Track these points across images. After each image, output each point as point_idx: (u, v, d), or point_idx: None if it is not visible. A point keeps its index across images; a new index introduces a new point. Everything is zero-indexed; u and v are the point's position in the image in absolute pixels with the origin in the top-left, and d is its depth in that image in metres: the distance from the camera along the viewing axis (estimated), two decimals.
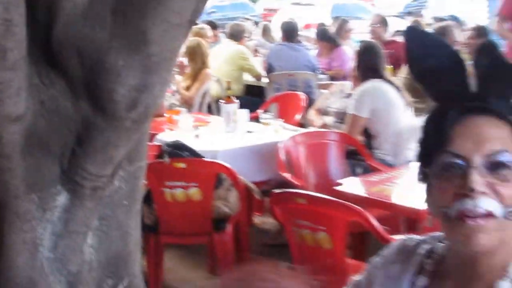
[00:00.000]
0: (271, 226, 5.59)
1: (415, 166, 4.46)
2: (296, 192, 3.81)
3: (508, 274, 1.52)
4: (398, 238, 3.74)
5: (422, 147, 1.58)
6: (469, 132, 1.48)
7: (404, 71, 6.29)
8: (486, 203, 1.43)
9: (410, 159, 5.09)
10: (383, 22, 9.28)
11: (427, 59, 1.59)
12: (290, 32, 8.43)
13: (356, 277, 1.84)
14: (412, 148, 5.24)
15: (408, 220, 4.18)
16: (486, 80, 1.53)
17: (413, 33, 1.70)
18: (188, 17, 2.10)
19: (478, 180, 1.42)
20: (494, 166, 1.44)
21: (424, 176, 1.55)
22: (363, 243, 4.39)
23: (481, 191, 1.42)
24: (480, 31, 7.88)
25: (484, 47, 1.63)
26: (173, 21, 2.05)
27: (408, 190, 4.08)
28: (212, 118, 6.14)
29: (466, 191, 1.42)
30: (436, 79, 1.59)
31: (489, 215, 1.43)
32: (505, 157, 1.45)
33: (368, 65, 5.17)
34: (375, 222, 3.44)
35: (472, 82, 1.55)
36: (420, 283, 1.64)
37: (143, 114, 2.18)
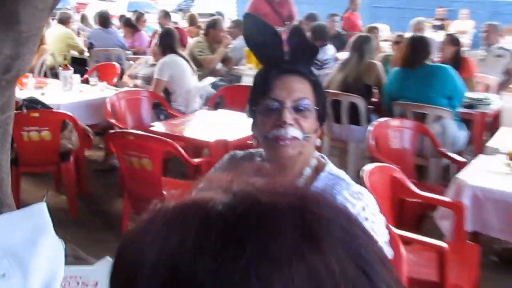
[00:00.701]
0: (98, 157, 5.51)
1: (200, 113, 4.51)
2: (126, 131, 3.79)
3: (304, 173, 1.63)
4: (199, 160, 3.80)
5: (252, 94, 1.61)
6: (283, 85, 1.55)
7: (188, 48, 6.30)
8: (293, 131, 1.53)
9: (196, 108, 5.14)
10: (167, 15, 9.26)
11: (258, 37, 1.62)
12: (105, 20, 8.12)
13: (199, 185, 1.72)
14: (197, 101, 5.26)
15: (196, 147, 4.25)
16: (294, 52, 1.61)
17: (249, 19, 1.69)
18: (50, 4, 2.05)
19: (288, 116, 1.52)
20: (298, 108, 1.54)
21: (252, 113, 1.61)
22: None
23: (289, 123, 1.52)
24: (238, 24, 7.63)
25: (294, 30, 1.70)
26: (39, 6, 1.96)
27: (196, 129, 4.19)
28: (49, 81, 5.86)
29: (281, 123, 1.52)
30: (263, 50, 1.62)
31: (294, 138, 1.53)
32: (305, 102, 1.55)
33: (167, 44, 5.07)
34: (181, 150, 3.41)
35: (286, 53, 1.61)
36: None
37: (15, 76, 2.09)
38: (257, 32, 1.63)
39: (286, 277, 0.45)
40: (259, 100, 1.58)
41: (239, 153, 1.80)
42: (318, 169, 1.67)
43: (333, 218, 0.50)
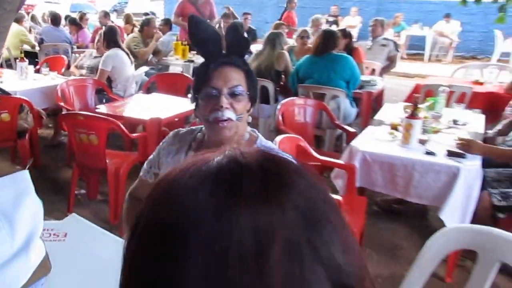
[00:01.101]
0: (48, 135, 5.48)
1: (136, 97, 4.50)
2: (77, 113, 3.76)
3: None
4: (136, 134, 3.82)
5: (195, 83, 1.63)
6: (220, 75, 1.57)
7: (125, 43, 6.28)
8: (228, 113, 1.56)
9: (133, 93, 5.14)
10: (107, 14, 8.98)
11: (200, 34, 1.61)
12: (55, 19, 7.92)
13: (150, 156, 1.83)
14: (133, 87, 5.26)
15: (133, 125, 4.26)
16: (231, 46, 1.63)
17: (193, 19, 1.63)
18: (17, 6, 2.01)
19: (224, 101, 1.55)
20: (233, 93, 1.57)
21: (195, 99, 1.63)
22: None
23: (225, 107, 1.55)
24: (167, 22, 7.82)
25: (231, 27, 1.68)
26: (7, 8, 1.94)
27: (133, 109, 4.19)
28: (5, 71, 5.67)
29: (218, 107, 1.55)
30: (205, 45, 1.61)
31: (229, 119, 1.57)
32: (239, 89, 1.57)
33: (110, 39, 5.04)
34: (123, 127, 3.43)
35: (224, 47, 1.63)
36: (190, 154, 1.71)
37: None
38: (200, 30, 1.62)
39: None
40: (201, 89, 1.59)
41: (182, 130, 1.81)
42: (251, 142, 1.70)
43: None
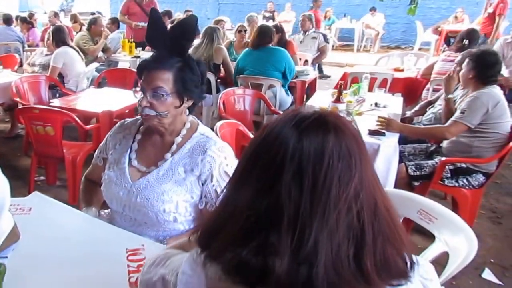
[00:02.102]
0: (5, 128, 5.51)
1: (88, 91, 4.51)
2: (33, 106, 3.73)
3: (181, 133, 1.72)
4: (90, 126, 3.88)
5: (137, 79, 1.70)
6: (147, 77, 1.62)
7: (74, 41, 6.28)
8: (147, 111, 1.63)
9: (84, 88, 5.11)
10: (56, 14, 8.89)
11: (150, 30, 1.66)
12: (8, 19, 7.70)
13: (100, 144, 1.90)
14: (85, 82, 5.21)
15: (86, 117, 4.25)
16: (174, 42, 1.63)
17: (153, 14, 1.68)
18: None
19: (145, 100, 1.62)
20: (155, 94, 1.61)
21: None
22: None
23: (145, 106, 1.62)
24: (115, 20, 7.74)
25: (175, 25, 1.68)
26: None
27: (86, 103, 4.21)
28: None
29: (141, 104, 1.63)
30: (150, 43, 1.68)
31: (147, 115, 1.64)
32: (160, 91, 1.60)
33: (59, 38, 5.05)
34: (77, 119, 3.46)
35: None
36: (138, 137, 1.79)
37: None
38: (153, 27, 1.65)
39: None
40: (139, 85, 1.66)
41: (128, 120, 1.87)
42: (192, 130, 1.73)
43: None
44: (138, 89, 1.68)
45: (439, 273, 1.40)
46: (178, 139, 1.71)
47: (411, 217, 1.68)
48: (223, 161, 1.65)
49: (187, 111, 1.76)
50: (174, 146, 1.71)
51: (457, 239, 1.56)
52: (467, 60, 3.17)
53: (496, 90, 3.07)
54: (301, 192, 0.76)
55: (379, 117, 3.23)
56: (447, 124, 3.10)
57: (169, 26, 1.76)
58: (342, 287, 0.75)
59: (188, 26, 1.66)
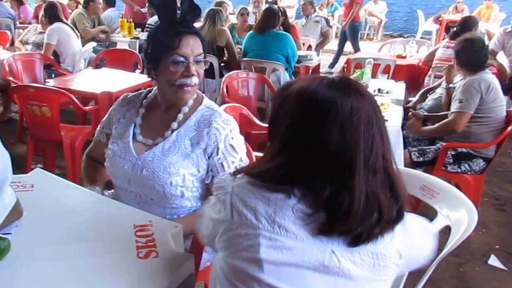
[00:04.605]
0: None
1: (86, 71, 4.32)
2: (28, 85, 3.59)
3: (188, 104, 1.70)
4: (89, 107, 3.73)
5: (156, 47, 1.62)
6: (188, 44, 1.58)
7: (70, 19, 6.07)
8: (195, 80, 1.62)
9: (81, 69, 4.99)
10: None
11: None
12: None
13: (103, 119, 1.87)
14: (82, 63, 5.12)
15: (84, 98, 3.98)
16: (186, 13, 1.62)
17: None
18: None
19: (193, 69, 1.59)
20: (198, 61, 1.61)
21: (156, 62, 1.62)
22: None
23: (193, 74, 1.60)
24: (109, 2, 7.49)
25: None
26: None
27: (84, 84, 4.03)
28: None
29: (188, 74, 1.59)
30: (161, 9, 1.62)
31: (195, 85, 1.64)
32: (201, 57, 1.62)
33: (52, 14, 4.88)
34: (75, 99, 3.32)
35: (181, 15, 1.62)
36: (141, 112, 1.76)
37: None
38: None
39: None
40: (164, 54, 1.59)
41: (130, 93, 1.85)
42: (198, 101, 1.73)
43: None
44: (179, 58, 1.59)
45: (442, 247, 1.45)
46: (185, 109, 1.71)
47: (415, 193, 1.72)
48: (229, 133, 1.65)
49: None
50: (181, 115, 1.70)
51: (458, 213, 1.61)
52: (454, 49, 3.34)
53: (486, 75, 3.15)
54: (344, 141, 0.96)
55: (413, 113, 3.44)
56: (450, 118, 3.16)
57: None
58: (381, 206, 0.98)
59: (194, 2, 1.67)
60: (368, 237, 0.98)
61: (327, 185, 0.96)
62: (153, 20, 6.11)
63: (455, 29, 4.82)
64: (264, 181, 1.01)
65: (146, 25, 6.24)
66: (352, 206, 0.95)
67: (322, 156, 0.96)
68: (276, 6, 5.57)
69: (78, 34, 5.14)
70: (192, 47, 1.60)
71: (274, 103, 1.06)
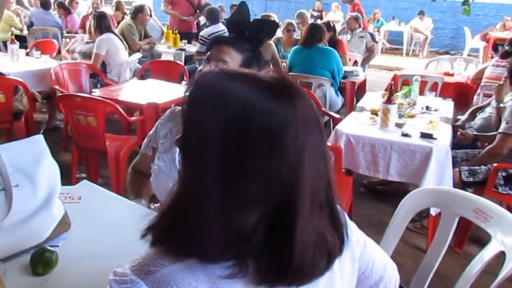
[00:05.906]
0: (42, 119, 5.28)
1: (132, 82, 4.34)
2: (74, 94, 3.62)
3: None
4: (134, 118, 3.72)
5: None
6: (219, 48, 1.61)
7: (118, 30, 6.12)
8: None
9: (127, 79, 5.00)
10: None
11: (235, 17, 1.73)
12: (45, 3, 7.61)
13: (149, 132, 1.84)
14: (128, 73, 5.15)
15: (129, 109, 3.99)
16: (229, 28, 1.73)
17: (242, 7, 1.73)
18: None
19: (208, 68, 1.59)
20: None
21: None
22: None
23: None
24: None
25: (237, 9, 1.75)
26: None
27: (129, 94, 4.08)
28: None
29: None
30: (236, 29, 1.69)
31: None
32: (226, 64, 1.59)
33: (103, 24, 4.92)
34: (120, 109, 3.35)
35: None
36: None
37: None
38: (236, 16, 1.72)
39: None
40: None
41: (178, 107, 1.79)
42: None
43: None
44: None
45: (496, 273, 1.43)
46: None
47: (467, 216, 1.67)
48: None
49: None
50: None
51: None
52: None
53: None
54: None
55: (461, 132, 3.41)
56: (495, 141, 3.12)
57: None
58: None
59: (268, 23, 1.76)
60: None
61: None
62: (206, 32, 6.10)
63: (506, 48, 4.70)
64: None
65: (200, 37, 6.22)
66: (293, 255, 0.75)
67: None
68: (321, 22, 5.54)
69: (126, 45, 5.16)
70: (220, 52, 1.62)
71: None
